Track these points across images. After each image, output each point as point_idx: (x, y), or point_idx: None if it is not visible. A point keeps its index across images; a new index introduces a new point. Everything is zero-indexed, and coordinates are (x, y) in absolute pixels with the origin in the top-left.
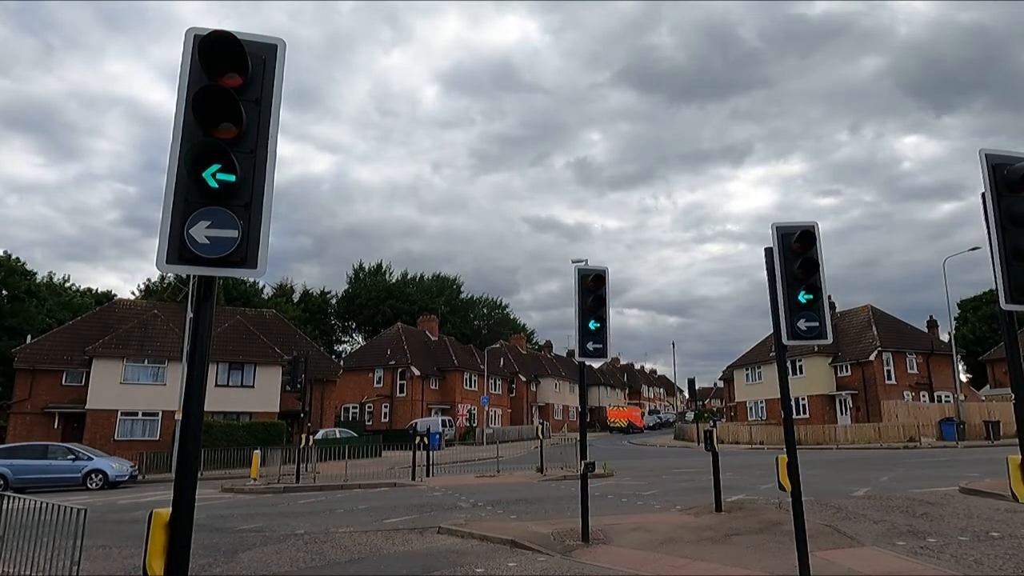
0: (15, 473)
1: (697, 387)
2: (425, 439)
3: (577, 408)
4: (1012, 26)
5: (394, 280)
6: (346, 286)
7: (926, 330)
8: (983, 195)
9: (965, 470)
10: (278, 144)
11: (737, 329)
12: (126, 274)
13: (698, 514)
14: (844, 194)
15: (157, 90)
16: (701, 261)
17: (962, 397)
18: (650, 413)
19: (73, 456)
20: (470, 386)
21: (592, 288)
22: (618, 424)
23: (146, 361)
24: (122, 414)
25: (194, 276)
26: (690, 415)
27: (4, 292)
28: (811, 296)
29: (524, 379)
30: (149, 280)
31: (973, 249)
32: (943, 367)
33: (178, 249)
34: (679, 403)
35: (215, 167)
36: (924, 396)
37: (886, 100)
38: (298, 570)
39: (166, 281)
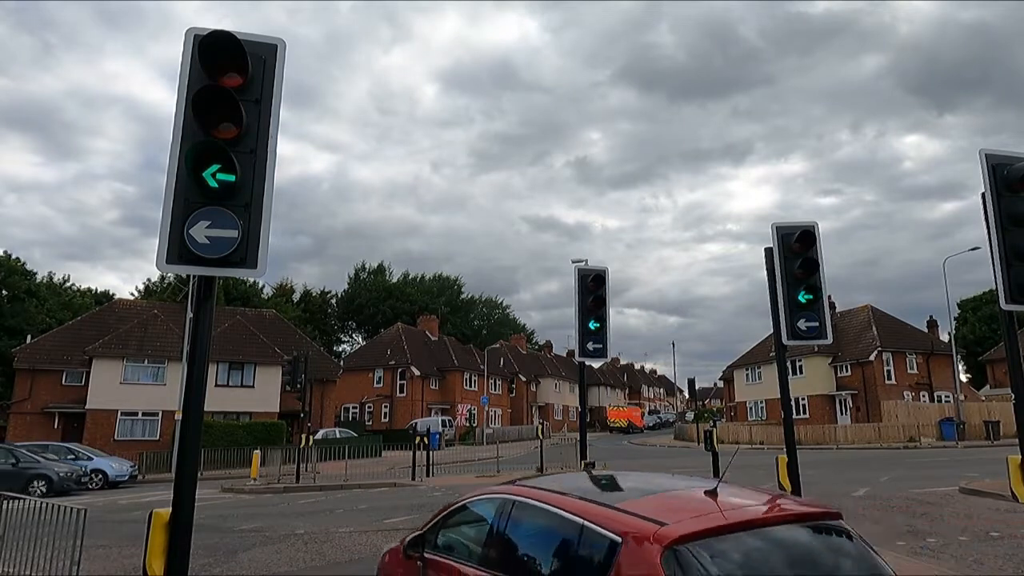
0: None
1: (697, 387)
2: (425, 439)
3: (577, 408)
4: (1014, 24)
5: (395, 280)
6: (346, 286)
7: (926, 330)
8: (983, 195)
9: (965, 470)
10: (278, 144)
11: (737, 329)
12: (125, 274)
13: None
14: (845, 193)
15: (156, 89)
16: (701, 261)
17: (962, 397)
18: (650, 413)
19: (73, 456)
20: (470, 386)
21: (592, 288)
22: (618, 424)
23: (146, 361)
24: (122, 414)
25: (194, 276)
26: (690, 415)
27: (4, 292)
28: (811, 296)
29: (524, 379)
30: (149, 280)
31: (973, 249)
32: (943, 367)
33: (178, 249)
34: (679, 403)
35: (215, 167)
36: (924, 396)
37: (887, 99)
38: (298, 570)
39: (166, 281)
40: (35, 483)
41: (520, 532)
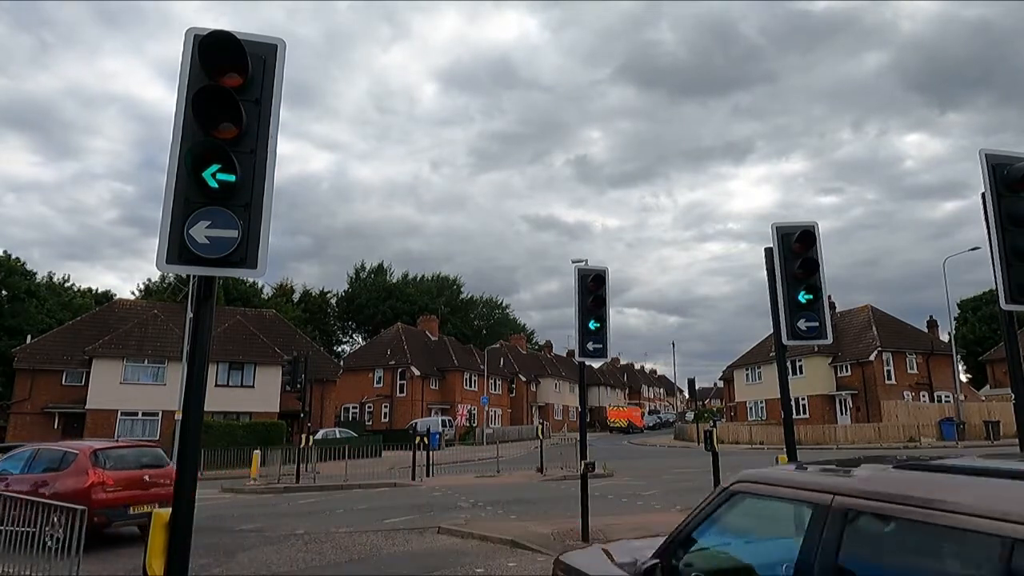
0: None
1: (697, 387)
2: (425, 439)
3: (577, 408)
4: (1017, 22)
5: (395, 280)
6: (346, 286)
7: (926, 330)
8: (983, 195)
9: None
10: (278, 143)
11: (737, 329)
12: (124, 273)
13: None
14: (846, 193)
15: (154, 88)
16: (702, 260)
17: (962, 397)
18: (650, 413)
19: None
20: (470, 386)
21: (592, 288)
22: (618, 424)
23: (146, 361)
24: (122, 414)
25: (194, 276)
26: (690, 415)
27: (4, 292)
28: (811, 296)
29: (524, 379)
30: (149, 280)
31: (973, 249)
32: (943, 367)
33: (178, 249)
34: (679, 403)
35: (215, 167)
36: (924, 396)
37: (889, 97)
38: (298, 570)
39: (166, 281)
40: None
41: (40, 461)
